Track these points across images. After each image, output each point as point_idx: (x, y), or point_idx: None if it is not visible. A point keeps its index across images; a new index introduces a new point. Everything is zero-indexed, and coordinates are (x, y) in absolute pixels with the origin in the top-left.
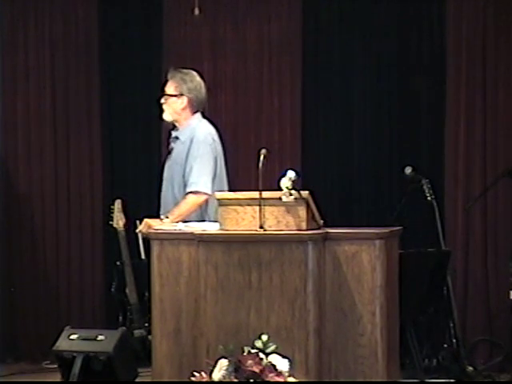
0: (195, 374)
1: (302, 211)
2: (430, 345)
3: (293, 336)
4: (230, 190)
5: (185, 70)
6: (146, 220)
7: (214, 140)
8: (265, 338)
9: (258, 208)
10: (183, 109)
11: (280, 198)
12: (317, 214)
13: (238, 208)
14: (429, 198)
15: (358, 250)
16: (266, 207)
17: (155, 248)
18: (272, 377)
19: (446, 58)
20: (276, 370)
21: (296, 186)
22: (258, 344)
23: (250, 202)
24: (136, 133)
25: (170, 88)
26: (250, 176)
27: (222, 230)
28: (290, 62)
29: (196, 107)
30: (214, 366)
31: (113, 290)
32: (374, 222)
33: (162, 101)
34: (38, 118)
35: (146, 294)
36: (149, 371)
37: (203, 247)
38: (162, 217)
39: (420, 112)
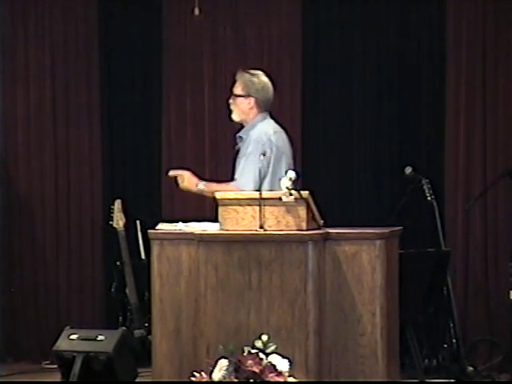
0: (195, 374)
1: (302, 211)
2: (430, 345)
3: (293, 336)
4: None
5: (252, 71)
6: (185, 174)
7: (269, 140)
8: (265, 338)
9: (258, 208)
10: (250, 109)
11: (280, 198)
12: (317, 214)
13: (238, 208)
14: (429, 198)
15: (357, 250)
16: (266, 207)
17: (155, 248)
18: (272, 377)
19: (446, 57)
20: (276, 370)
21: (296, 186)
22: (258, 344)
23: (250, 201)
24: (136, 133)
25: (237, 88)
26: None
27: (222, 229)
28: (290, 62)
29: (263, 107)
30: (214, 366)
31: (113, 290)
32: (374, 222)
33: (230, 101)
34: (38, 118)
35: (146, 293)
36: (149, 371)
37: (203, 247)
38: (198, 182)
39: (420, 112)
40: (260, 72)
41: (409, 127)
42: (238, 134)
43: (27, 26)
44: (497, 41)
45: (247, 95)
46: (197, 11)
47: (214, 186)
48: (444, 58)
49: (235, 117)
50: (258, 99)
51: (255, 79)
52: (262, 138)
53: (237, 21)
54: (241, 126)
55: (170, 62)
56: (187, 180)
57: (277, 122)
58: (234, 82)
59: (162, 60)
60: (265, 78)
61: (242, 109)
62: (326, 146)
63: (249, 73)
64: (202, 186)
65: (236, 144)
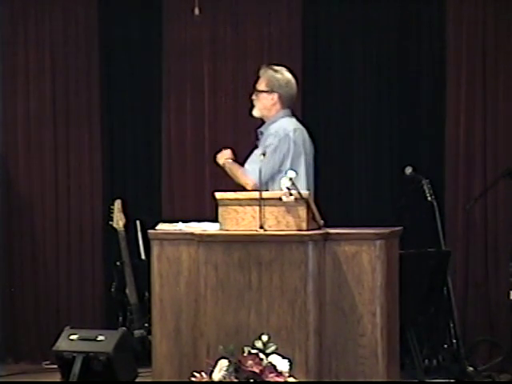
0: (195, 374)
1: (302, 211)
2: (430, 345)
3: (293, 336)
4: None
5: (276, 67)
6: (226, 150)
7: (287, 135)
8: (265, 338)
9: (258, 208)
10: (273, 104)
11: (280, 198)
12: (317, 214)
13: (238, 208)
14: (429, 198)
15: (358, 250)
16: (266, 207)
17: (155, 248)
18: (272, 377)
19: (446, 57)
20: (276, 370)
21: (296, 186)
22: (258, 344)
23: (250, 202)
24: (136, 133)
25: (261, 84)
26: None
27: (222, 229)
28: (290, 62)
29: (285, 103)
30: (214, 367)
31: (113, 290)
32: (374, 222)
33: (253, 97)
34: (38, 118)
35: (146, 293)
36: (149, 371)
37: (203, 247)
38: (229, 159)
39: (420, 112)
40: (283, 68)
41: (409, 127)
42: (259, 129)
43: (27, 26)
44: (497, 41)
45: (271, 91)
46: (197, 11)
47: (235, 166)
48: (444, 58)
49: (256, 112)
50: (282, 95)
51: (279, 75)
52: (280, 134)
53: (237, 21)
54: (262, 122)
55: (170, 62)
56: (221, 153)
57: (299, 119)
58: (257, 78)
59: (162, 60)
60: (288, 75)
61: (264, 104)
62: (326, 145)
63: (272, 69)
64: (227, 163)
65: (257, 139)
